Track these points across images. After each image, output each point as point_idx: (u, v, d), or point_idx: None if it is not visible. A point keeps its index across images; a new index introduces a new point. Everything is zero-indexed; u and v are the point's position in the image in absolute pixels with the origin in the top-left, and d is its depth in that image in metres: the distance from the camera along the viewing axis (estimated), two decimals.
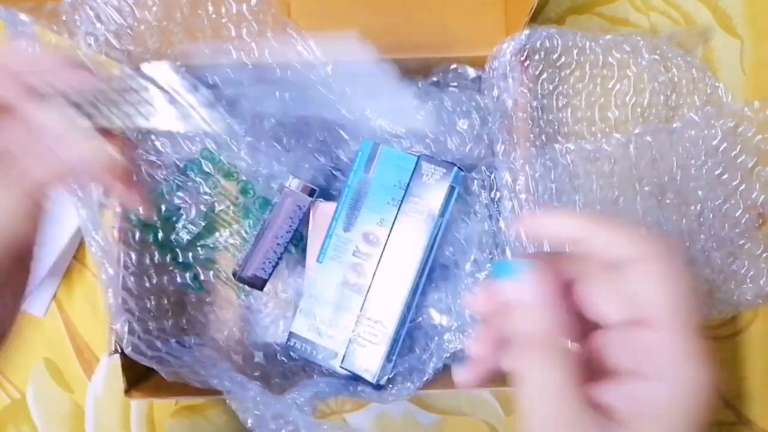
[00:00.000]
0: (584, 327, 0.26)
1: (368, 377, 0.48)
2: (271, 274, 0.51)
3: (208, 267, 0.55)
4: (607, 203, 0.53)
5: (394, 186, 0.48)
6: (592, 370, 0.25)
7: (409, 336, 0.52)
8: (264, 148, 0.53)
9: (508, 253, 0.49)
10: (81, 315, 0.59)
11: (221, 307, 0.56)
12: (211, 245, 0.55)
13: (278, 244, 0.52)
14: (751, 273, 0.55)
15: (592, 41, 0.53)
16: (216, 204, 0.55)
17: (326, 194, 0.55)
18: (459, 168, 0.48)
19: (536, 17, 0.61)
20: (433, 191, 0.47)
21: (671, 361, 0.24)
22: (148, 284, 0.51)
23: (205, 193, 0.55)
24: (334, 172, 0.55)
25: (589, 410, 0.23)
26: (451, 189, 0.47)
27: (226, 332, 0.55)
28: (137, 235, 0.51)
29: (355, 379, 0.49)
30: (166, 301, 0.53)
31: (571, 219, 0.26)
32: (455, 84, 0.53)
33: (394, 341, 0.48)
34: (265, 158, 0.53)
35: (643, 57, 0.56)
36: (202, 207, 0.55)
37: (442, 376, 0.49)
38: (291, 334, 0.49)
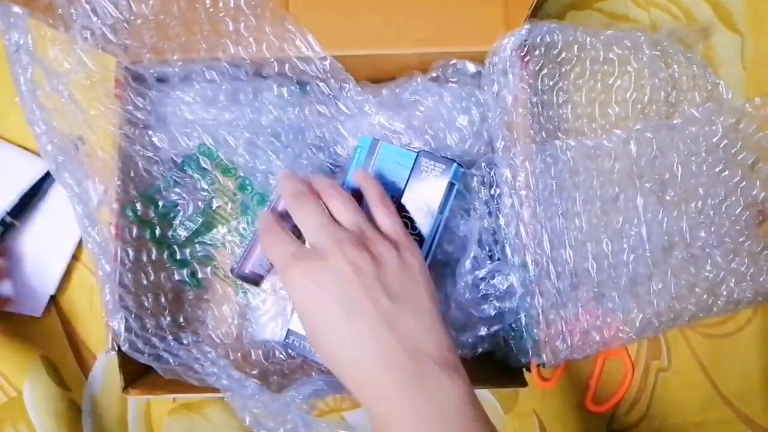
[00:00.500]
0: None
1: None
2: (268, 271, 0.51)
3: (206, 264, 0.55)
4: (607, 200, 0.53)
5: (393, 182, 0.48)
6: None
7: None
8: (262, 143, 0.53)
9: (507, 249, 0.49)
10: (78, 312, 0.59)
11: (219, 304, 0.55)
12: (209, 242, 0.55)
13: None
14: (751, 270, 0.55)
15: (592, 37, 0.53)
16: (214, 200, 0.55)
17: None
18: (458, 164, 0.47)
19: (536, 12, 0.60)
20: (433, 187, 0.47)
21: None
22: (145, 281, 0.51)
23: (203, 190, 0.55)
24: (332, 168, 0.55)
25: None
26: (451, 185, 0.47)
27: (223, 329, 0.55)
28: (134, 231, 0.50)
29: None
30: (163, 298, 0.52)
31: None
32: (455, 79, 0.53)
33: None
34: (263, 154, 0.53)
35: (644, 53, 0.55)
36: (199, 203, 0.54)
37: None
38: (289, 332, 0.49)
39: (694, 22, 0.61)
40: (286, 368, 0.52)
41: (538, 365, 0.49)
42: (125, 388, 0.48)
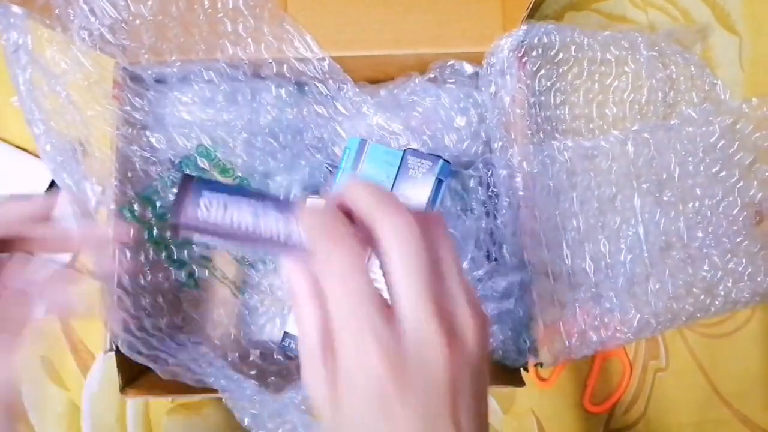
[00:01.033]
0: None
1: None
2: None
3: (204, 265, 0.55)
4: (604, 200, 0.53)
5: (382, 181, 0.48)
6: None
7: None
8: (260, 144, 0.53)
9: (505, 250, 0.49)
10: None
11: (217, 305, 0.55)
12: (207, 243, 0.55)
13: None
14: (749, 270, 0.55)
15: (590, 38, 0.53)
16: None
17: (323, 191, 0.54)
18: (445, 160, 0.47)
19: (534, 13, 0.60)
20: (420, 184, 0.47)
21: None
22: (143, 282, 0.51)
23: None
24: (330, 168, 0.55)
25: None
26: (438, 181, 0.47)
27: (221, 330, 0.55)
28: (132, 232, 0.50)
29: None
30: (161, 299, 0.52)
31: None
32: (452, 80, 0.53)
33: None
34: (261, 155, 0.53)
35: (641, 54, 0.55)
36: None
37: None
38: (286, 334, 0.49)
39: (692, 23, 0.61)
40: (285, 369, 0.53)
41: (536, 365, 0.49)
42: (123, 389, 0.48)
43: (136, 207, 0.51)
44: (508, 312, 0.49)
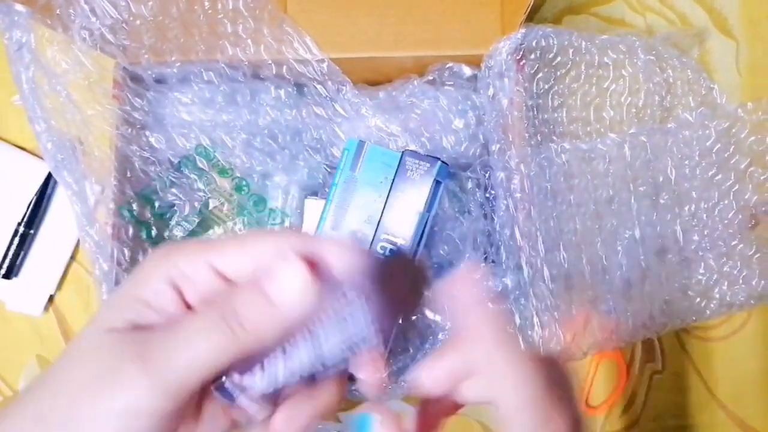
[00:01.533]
0: None
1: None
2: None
3: None
4: (601, 203, 0.53)
5: (380, 183, 0.48)
6: None
7: (403, 335, 0.52)
8: (259, 145, 0.53)
9: (502, 252, 0.49)
10: (74, 312, 0.59)
11: None
12: None
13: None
14: (744, 274, 0.55)
15: (587, 41, 0.54)
16: (210, 201, 0.55)
17: (322, 192, 0.54)
18: (443, 162, 0.47)
19: (532, 16, 0.61)
20: (418, 186, 0.47)
21: None
22: None
23: (199, 190, 0.55)
24: (328, 169, 0.55)
25: None
26: (437, 183, 0.47)
27: None
28: (130, 231, 0.51)
29: (349, 378, 0.48)
30: None
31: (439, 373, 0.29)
32: (451, 83, 0.53)
33: (387, 340, 0.48)
34: (260, 155, 0.53)
35: (639, 57, 0.56)
36: (196, 204, 0.55)
37: None
38: None
39: (689, 27, 0.61)
40: None
41: None
42: None
43: (134, 206, 0.51)
44: (504, 314, 0.49)
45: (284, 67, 0.51)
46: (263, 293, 0.25)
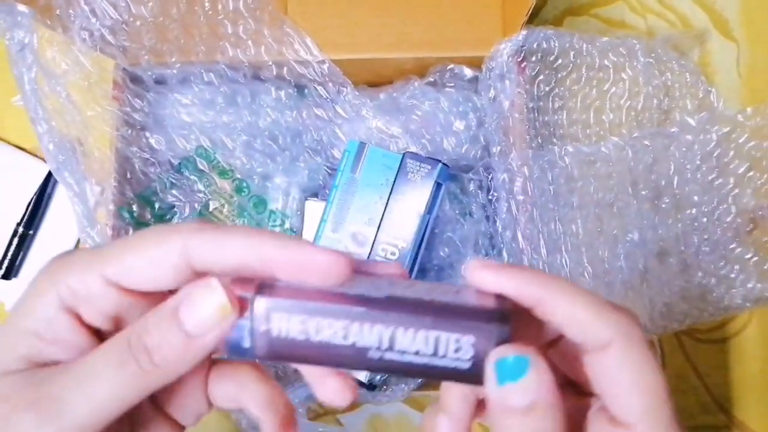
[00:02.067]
0: None
1: (361, 378, 0.48)
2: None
3: None
4: (603, 206, 0.53)
5: (381, 185, 0.48)
6: None
7: None
8: (259, 146, 0.53)
9: (504, 254, 0.49)
10: None
11: None
12: None
13: None
14: (741, 277, 0.55)
15: (588, 43, 0.53)
16: (210, 202, 0.55)
17: (322, 194, 0.54)
18: (444, 164, 0.47)
19: (533, 18, 0.60)
20: (419, 188, 0.47)
21: None
22: None
23: (200, 192, 0.55)
24: (329, 171, 0.55)
25: None
26: (437, 185, 0.47)
27: None
28: (130, 232, 0.50)
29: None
30: None
31: (530, 283, 0.23)
32: (452, 84, 0.53)
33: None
34: (261, 157, 0.53)
35: (639, 60, 0.56)
36: (196, 205, 0.54)
37: None
38: None
39: (690, 29, 0.61)
40: (281, 371, 0.53)
41: None
42: None
43: (135, 208, 0.51)
44: None
45: (285, 68, 0.51)
46: (177, 321, 0.21)
